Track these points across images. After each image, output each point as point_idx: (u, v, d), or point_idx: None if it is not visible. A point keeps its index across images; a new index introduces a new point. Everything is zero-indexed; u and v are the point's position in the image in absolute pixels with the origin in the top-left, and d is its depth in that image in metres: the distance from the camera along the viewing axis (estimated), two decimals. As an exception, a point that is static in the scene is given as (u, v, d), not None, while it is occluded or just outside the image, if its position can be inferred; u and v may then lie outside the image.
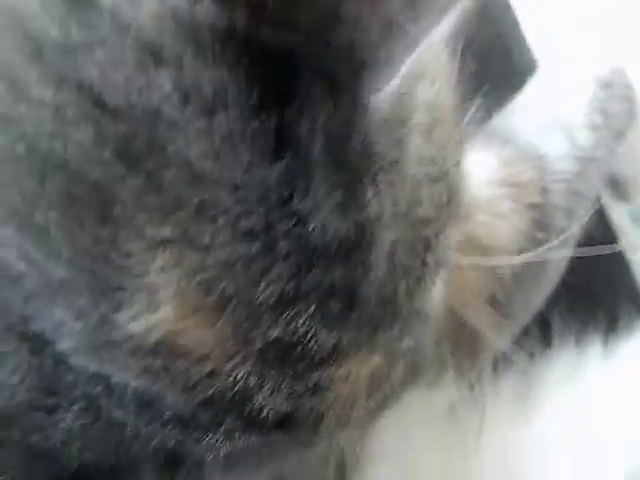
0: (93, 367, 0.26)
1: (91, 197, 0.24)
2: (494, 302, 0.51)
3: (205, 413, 0.27)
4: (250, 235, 0.25)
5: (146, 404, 0.27)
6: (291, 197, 0.25)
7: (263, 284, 0.25)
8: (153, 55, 0.23)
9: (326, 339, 0.27)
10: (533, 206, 0.51)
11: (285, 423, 0.29)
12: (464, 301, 0.50)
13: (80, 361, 0.26)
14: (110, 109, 0.23)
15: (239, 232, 0.25)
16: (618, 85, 0.58)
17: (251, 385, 0.27)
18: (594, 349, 0.52)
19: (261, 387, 0.27)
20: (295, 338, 0.27)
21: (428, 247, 0.30)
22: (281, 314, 0.26)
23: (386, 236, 0.28)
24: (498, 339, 0.51)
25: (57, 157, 0.23)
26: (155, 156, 0.24)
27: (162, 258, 0.24)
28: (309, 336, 0.27)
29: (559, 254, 0.53)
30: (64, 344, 0.26)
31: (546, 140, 0.53)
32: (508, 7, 0.63)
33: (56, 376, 0.26)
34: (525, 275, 0.51)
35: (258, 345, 0.26)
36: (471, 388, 0.47)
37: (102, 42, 0.23)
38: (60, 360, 0.26)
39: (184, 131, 0.24)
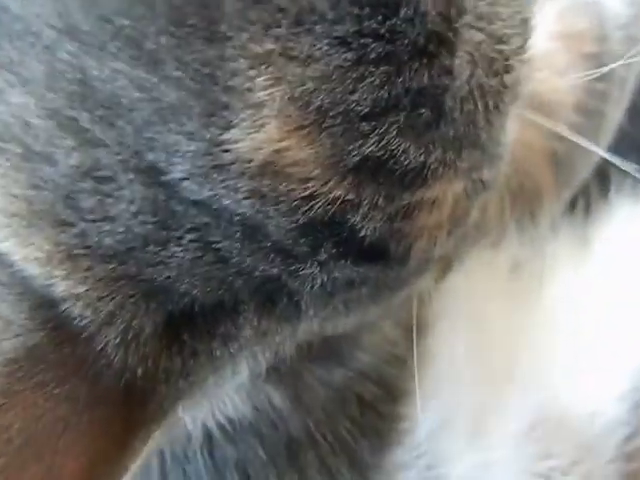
0: (204, 193, 0.26)
1: (199, 17, 0.24)
2: (554, 159, 0.50)
3: (305, 240, 0.28)
4: (344, 43, 0.25)
5: (251, 231, 0.27)
6: None
7: (357, 94, 0.25)
8: None
9: (416, 155, 0.27)
10: (590, 56, 0.49)
11: (378, 250, 0.29)
12: (525, 157, 0.49)
13: (192, 187, 0.26)
14: None
15: (334, 41, 0.25)
16: None
17: (348, 206, 0.27)
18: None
19: (357, 207, 0.27)
20: (387, 153, 0.27)
21: (506, 68, 0.29)
22: (374, 127, 0.26)
23: (470, 37, 0.27)
24: (558, 194, 0.51)
25: None
26: None
27: (266, 74, 0.25)
28: (400, 151, 0.27)
29: (617, 100, 0.52)
30: (177, 171, 0.26)
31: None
32: None
33: (168, 208, 0.27)
34: (584, 129, 0.50)
35: (353, 161, 0.26)
36: (532, 242, 0.48)
37: None
38: (172, 191, 0.27)
39: None
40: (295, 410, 0.41)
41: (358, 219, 0.28)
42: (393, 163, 0.27)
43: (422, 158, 0.27)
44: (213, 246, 0.28)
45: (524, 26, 0.30)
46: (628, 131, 0.53)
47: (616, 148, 0.54)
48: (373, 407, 0.43)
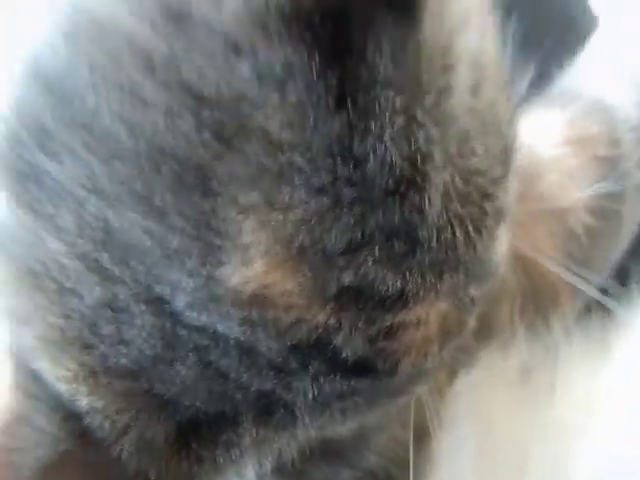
0: (203, 320, 0.30)
1: (195, 177, 0.28)
2: (570, 260, 0.51)
3: (294, 358, 0.31)
4: (321, 191, 0.28)
5: (246, 351, 0.31)
6: (351, 142, 0.28)
7: (333, 233, 0.28)
8: (234, 48, 0.27)
9: (393, 283, 0.30)
10: (603, 160, 0.50)
11: (364, 366, 0.32)
12: (539, 259, 0.50)
13: (193, 315, 0.30)
14: (206, 100, 0.27)
15: (312, 190, 0.28)
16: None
17: (330, 329, 0.30)
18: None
19: (339, 330, 0.30)
20: (366, 282, 0.29)
21: (485, 196, 0.31)
22: (351, 259, 0.29)
23: (439, 177, 0.29)
24: (574, 297, 0.51)
25: (169, 147, 0.28)
26: (243, 133, 0.28)
27: (251, 220, 0.28)
28: (378, 279, 0.29)
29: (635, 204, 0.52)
30: (180, 302, 0.30)
31: (612, 90, 0.52)
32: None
33: (173, 333, 0.31)
34: (600, 230, 0.51)
35: (334, 291, 0.29)
36: (545, 348, 0.48)
37: (196, 46, 0.27)
38: (176, 318, 0.30)
39: (263, 108, 0.27)
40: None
41: (340, 341, 0.30)
42: (371, 290, 0.30)
43: (400, 284, 0.30)
44: (213, 365, 0.31)
45: (504, 155, 0.32)
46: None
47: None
48: None
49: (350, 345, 0.31)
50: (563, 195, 0.49)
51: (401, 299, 0.30)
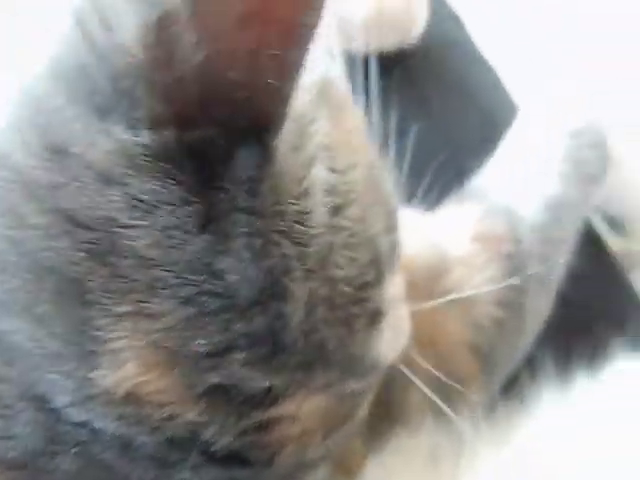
0: (82, 417, 0.32)
1: (72, 289, 0.31)
2: (478, 352, 0.54)
3: (172, 451, 0.33)
4: (187, 301, 0.31)
5: (126, 446, 0.33)
6: (213, 260, 0.31)
7: (199, 339, 0.31)
8: (105, 180, 0.31)
9: (260, 382, 0.33)
10: (507, 256, 0.54)
11: (237, 458, 0.34)
12: (448, 352, 0.53)
13: (72, 412, 0.32)
14: (81, 223, 0.31)
15: (179, 300, 0.31)
16: (589, 133, 0.61)
17: (202, 424, 0.32)
18: (579, 382, 0.54)
19: (209, 426, 0.33)
20: (232, 382, 0.32)
21: (354, 302, 0.34)
22: (217, 362, 0.32)
23: (300, 288, 0.32)
24: (482, 387, 0.54)
25: (49, 263, 0.31)
26: (114, 252, 0.31)
27: (124, 327, 0.31)
28: (245, 380, 0.32)
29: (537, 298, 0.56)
30: (59, 401, 0.32)
31: (517, 193, 0.57)
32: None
33: (55, 429, 0.33)
34: (506, 320, 0.54)
35: (202, 390, 0.32)
36: (453, 434, 0.50)
37: (73, 179, 0.31)
38: (57, 415, 0.32)
39: (133, 230, 0.31)
40: None
41: (210, 436, 0.33)
42: (239, 389, 0.32)
43: (267, 383, 0.33)
44: (96, 457, 0.33)
45: (376, 262, 0.36)
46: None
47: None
48: None
49: (221, 439, 0.33)
50: (470, 288, 0.52)
51: (269, 397, 0.33)
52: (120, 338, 0.31)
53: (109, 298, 0.31)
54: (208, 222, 0.31)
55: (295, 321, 0.32)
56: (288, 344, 0.33)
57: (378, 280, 0.36)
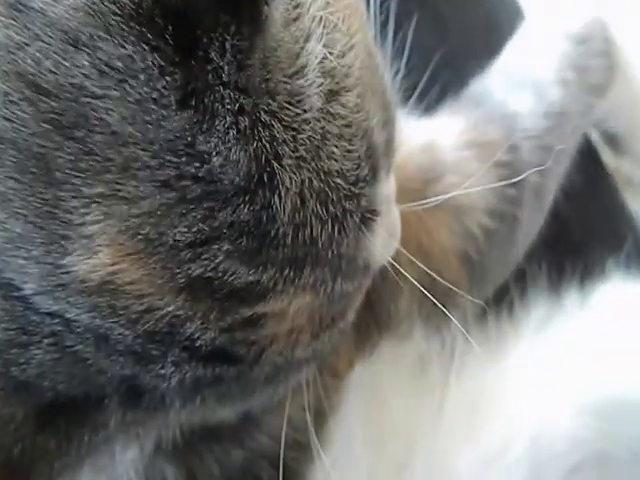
0: (53, 307, 0.31)
1: (37, 166, 0.29)
2: (467, 260, 0.53)
3: (152, 346, 0.32)
4: (166, 185, 0.29)
5: (102, 338, 0.31)
6: (195, 139, 0.29)
7: (180, 227, 0.30)
8: (72, 41, 0.28)
9: (246, 276, 0.31)
10: (502, 164, 0.53)
11: (222, 356, 0.33)
12: (436, 259, 0.52)
13: (42, 301, 0.31)
14: (44, 90, 0.28)
15: (157, 183, 0.29)
16: (596, 40, 0.59)
17: (183, 318, 0.31)
18: (570, 297, 0.54)
19: (191, 320, 0.31)
20: (216, 274, 0.31)
21: (348, 197, 0.33)
22: (199, 253, 0.30)
23: (290, 177, 0.31)
24: (471, 296, 0.53)
25: (8, 135, 0.28)
26: (83, 125, 0.28)
27: (96, 211, 0.29)
28: (229, 273, 0.31)
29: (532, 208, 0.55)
30: (28, 288, 0.30)
31: (515, 98, 0.55)
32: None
33: (26, 318, 0.31)
34: (497, 231, 0.53)
35: (183, 281, 0.30)
36: (442, 342, 0.50)
37: (35, 38, 0.28)
38: (27, 303, 0.31)
39: (104, 101, 0.28)
40: (190, 489, 0.43)
41: (193, 330, 0.32)
42: (224, 283, 0.31)
43: (253, 278, 0.31)
44: (70, 349, 0.32)
45: (371, 157, 0.34)
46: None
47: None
48: None
49: (205, 334, 0.32)
50: (462, 196, 0.51)
51: (256, 292, 0.32)
52: (93, 222, 0.29)
53: (80, 178, 0.29)
54: (189, 96, 0.28)
55: (285, 213, 0.31)
56: (277, 237, 0.31)
57: (373, 176, 0.34)
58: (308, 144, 0.31)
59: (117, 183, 0.29)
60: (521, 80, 0.56)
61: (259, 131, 0.30)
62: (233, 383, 0.35)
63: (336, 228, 0.33)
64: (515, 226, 0.54)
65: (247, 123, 0.29)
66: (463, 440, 0.47)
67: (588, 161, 0.62)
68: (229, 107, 0.29)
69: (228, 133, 0.29)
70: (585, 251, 0.60)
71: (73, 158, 0.29)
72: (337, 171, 0.32)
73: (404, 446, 0.47)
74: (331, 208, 0.32)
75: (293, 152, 0.31)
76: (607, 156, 0.70)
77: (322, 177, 0.32)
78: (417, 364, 0.49)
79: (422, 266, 0.51)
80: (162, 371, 0.33)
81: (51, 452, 0.34)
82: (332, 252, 0.33)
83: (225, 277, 0.31)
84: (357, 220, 0.34)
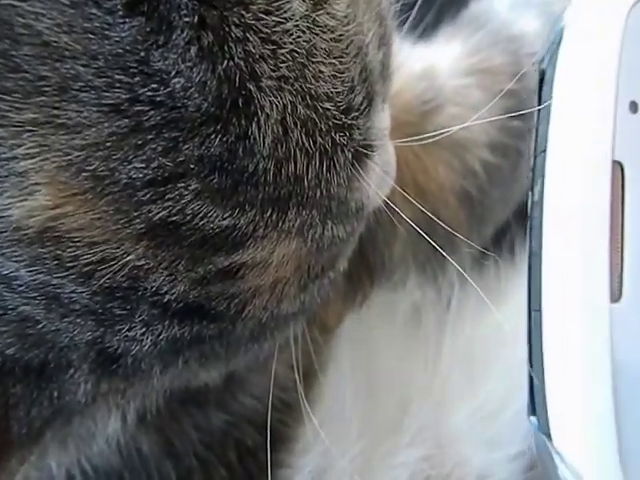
0: None
1: None
2: (467, 199, 0.49)
3: (115, 304, 0.28)
4: (117, 111, 0.24)
5: (52, 297, 0.27)
6: (149, 55, 0.24)
7: (136, 162, 0.25)
8: None
9: (219, 220, 0.27)
10: (506, 93, 0.48)
11: (199, 311, 0.29)
12: (433, 198, 0.48)
13: None
14: None
15: (105, 108, 0.24)
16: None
17: (145, 269, 0.27)
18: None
19: (156, 271, 0.27)
20: (183, 218, 0.26)
21: (338, 127, 0.28)
22: (161, 193, 0.26)
23: (270, 101, 0.26)
24: (471, 237, 0.50)
25: None
26: (6, 35, 0.23)
27: (29, 142, 0.24)
28: (199, 216, 0.26)
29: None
30: None
31: (519, 19, 0.50)
32: None
33: None
34: (499, 167, 0.49)
35: (142, 226, 0.26)
36: (438, 290, 0.46)
37: None
38: None
39: (31, 4, 0.23)
40: (166, 457, 0.40)
41: (159, 283, 0.27)
42: (193, 227, 0.26)
43: (229, 221, 0.27)
44: (13, 310, 0.27)
45: (365, 80, 0.29)
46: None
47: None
48: (253, 454, 0.42)
49: (174, 288, 0.28)
50: (462, 129, 0.46)
51: (232, 239, 0.27)
52: (26, 156, 0.24)
53: (5, 101, 0.24)
54: (141, 2, 0.24)
55: (265, 144, 0.26)
56: (255, 174, 0.27)
57: (368, 104, 0.29)
58: (291, 61, 0.26)
59: (54, 107, 0.24)
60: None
61: (230, 47, 0.25)
62: (215, 342, 0.31)
63: (325, 164, 0.28)
64: (519, 161, 0.50)
65: (211, 39, 0.25)
66: (461, 394, 0.44)
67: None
68: (187, 20, 0.24)
69: (189, 50, 0.24)
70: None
71: None
72: (326, 95, 0.28)
73: (398, 402, 0.44)
74: (319, 140, 0.28)
75: (273, 71, 0.26)
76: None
77: (308, 101, 0.27)
78: (411, 314, 0.46)
79: (419, 206, 0.48)
80: (131, 332, 0.28)
81: (18, 420, 0.30)
82: (320, 192, 0.29)
83: (194, 221, 0.26)
84: (349, 156, 0.29)
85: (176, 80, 0.24)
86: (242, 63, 0.25)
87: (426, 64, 0.47)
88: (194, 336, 0.30)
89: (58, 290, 0.27)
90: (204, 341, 0.30)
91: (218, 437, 0.41)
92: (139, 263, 0.27)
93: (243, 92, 0.25)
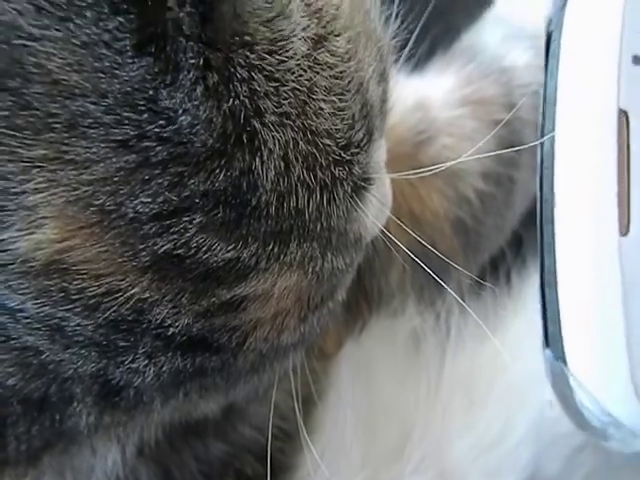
0: None
1: None
2: (462, 227, 0.50)
3: (119, 336, 0.28)
4: (124, 146, 0.25)
5: (56, 329, 0.27)
6: (157, 93, 0.25)
7: (142, 196, 0.25)
8: None
9: (223, 253, 0.27)
10: (499, 123, 0.49)
11: (204, 342, 0.29)
12: (429, 227, 0.49)
13: None
14: None
15: (113, 144, 0.25)
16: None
17: (150, 302, 0.27)
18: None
19: (160, 304, 0.27)
20: (187, 251, 0.27)
21: (337, 162, 0.29)
22: (167, 226, 0.26)
23: (273, 137, 0.27)
24: (467, 265, 0.50)
25: None
26: (18, 74, 0.24)
27: (38, 177, 0.25)
28: (203, 249, 0.27)
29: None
30: None
31: (511, 51, 0.51)
32: None
33: None
34: (493, 195, 0.50)
35: (147, 259, 0.26)
36: (437, 316, 0.46)
37: None
38: None
39: (42, 44, 0.24)
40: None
41: (163, 316, 0.28)
42: (197, 261, 0.27)
43: (232, 254, 0.27)
44: (17, 342, 0.27)
45: (365, 116, 0.30)
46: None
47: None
48: None
49: (178, 321, 0.28)
50: (457, 159, 0.47)
51: (236, 271, 0.28)
52: (35, 191, 0.25)
53: (16, 137, 0.24)
54: (147, 42, 0.24)
55: (267, 179, 0.27)
56: (258, 207, 0.27)
57: (367, 140, 0.30)
58: (293, 98, 0.27)
59: (63, 144, 0.25)
60: (516, 32, 0.52)
61: (235, 87, 0.26)
62: (217, 375, 0.31)
63: (325, 198, 0.29)
64: (512, 189, 0.50)
65: (216, 79, 0.25)
66: (461, 423, 0.44)
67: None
68: (193, 61, 0.25)
69: (195, 89, 0.25)
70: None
71: (7, 114, 0.24)
72: (326, 131, 0.28)
73: (399, 429, 0.44)
74: (319, 174, 0.29)
75: (276, 107, 0.27)
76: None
77: (309, 137, 0.28)
78: (410, 341, 0.46)
79: (414, 235, 0.48)
80: (134, 365, 0.29)
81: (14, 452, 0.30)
82: (321, 225, 0.29)
83: (198, 254, 0.27)
84: (348, 189, 0.30)
85: (183, 118, 0.25)
86: (247, 101, 0.26)
87: (419, 96, 0.48)
88: (196, 368, 0.30)
89: (63, 323, 0.27)
90: (206, 374, 0.31)
91: (217, 467, 0.41)
92: (144, 296, 0.27)
93: (247, 128, 0.26)
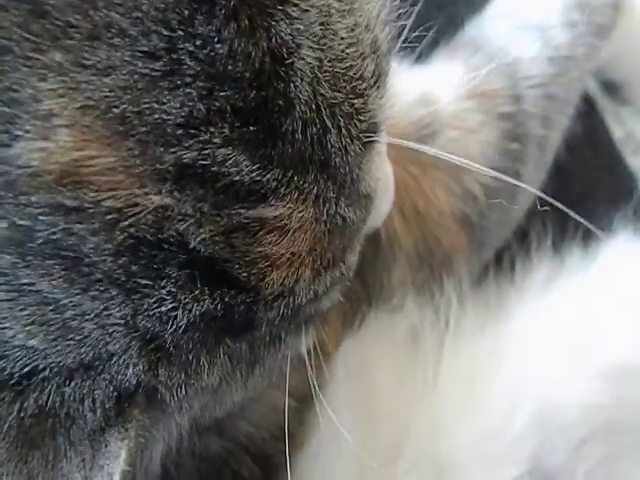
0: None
1: None
2: (467, 223, 0.49)
3: (138, 267, 0.26)
4: (151, 57, 0.24)
5: (71, 262, 0.25)
6: (193, 17, 0.24)
7: (169, 103, 0.25)
8: None
9: (248, 171, 0.26)
10: (504, 116, 0.48)
11: (223, 275, 0.28)
12: (434, 223, 0.48)
13: None
14: None
15: (139, 52, 0.24)
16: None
17: (169, 214, 0.26)
18: (573, 255, 0.50)
19: (179, 215, 0.26)
20: (212, 162, 0.26)
21: (354, 91, 0.29)
22: (192, 135, 0.25)
23: (306, 61, 0.27)
24: (472, 260, 0.49)
25: None
26: None
27: (55, 83, 0.24)
28: (229, 162, 0.26)
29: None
30: None
31: (517, 43, 0.50)
32: None
33: None
34: (497, 189, 0.49)
35: (168, 167, 0.25)
36: (436, 309, 0.46)
37: None
38: None
39: None
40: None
41: (183, 228, 0.26)
42: (221, 173, 0.26)
43: (257, 173, 0.27)
44: (29, 288, 0.25)
45: (374, 54, 0.30)
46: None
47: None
48: None
49: (199, 235, 0.26)
50: (462, 153, 0.46)
51: (257, 190, 0.27)
52: (50, 97, 0.24)
53: (30, 41, 0.23)
54: None
55: (299, 103, 0.27)
56: (287, 131, 0.27)
57: (376, 78, 0.30)
58: (317, 20, 0.27)
59: (82, 51, 0.23)
60: (523, 22, 0.51)
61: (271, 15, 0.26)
62: (242, 340, 0.30)
63: (343, 130, 0.29)
64: (517, 185, 0.50)
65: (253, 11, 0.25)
66: (460, 416, 0.43)
67: (585, 110, 0.58)
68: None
69: (228, 25, 0.25)
70: (587, 206, 0.55)
71: (20, 19, 0.23)
72: (343, 53, 0.28)
73: (396, 426, 0.43)
74: (340, 105, 0.29)
75: (306, 31, 0.27)
76: (605, 105, 0.65)
77: (331, 62, 0.28)
78: (409, 336, 0.45)
79: (418, 232, 0.47)
80: (162, 307, 0.27)
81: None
82: (336, 161, 0.29)
83: (223, 167, 0.26)
84: (363, 127, 0.30)
85: (219, 46, 0.25)
86: (284, 26, 0.26)
87: (423, 89, 0.47)
88: (225, 313, 0.28)
89: (76, 250, 0.25)
90: (233, 325, 0.29)
91: (214, 465, 0.40)
92: (163, 203, 0.25)
93: (287, 61, 0.26)
